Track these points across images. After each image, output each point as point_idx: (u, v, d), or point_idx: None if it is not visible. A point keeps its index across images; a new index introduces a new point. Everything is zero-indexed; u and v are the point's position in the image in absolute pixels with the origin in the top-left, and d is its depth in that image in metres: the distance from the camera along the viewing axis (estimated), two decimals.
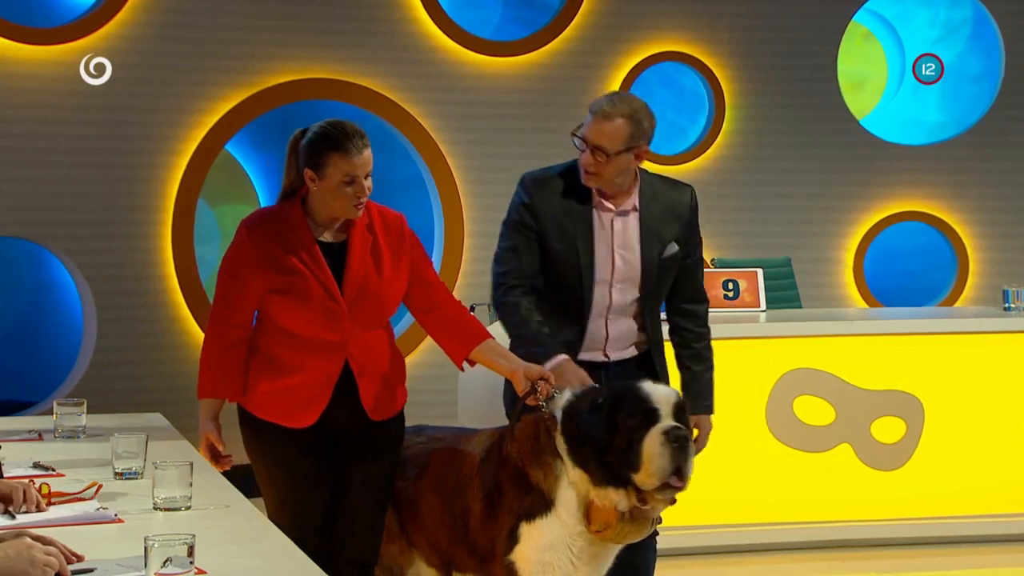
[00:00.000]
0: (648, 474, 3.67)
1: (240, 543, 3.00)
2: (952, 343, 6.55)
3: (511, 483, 3.89)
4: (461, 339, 4.13)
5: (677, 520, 6.44)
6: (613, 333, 4.38)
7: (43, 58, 7.46)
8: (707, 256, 8.40)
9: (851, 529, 6.42)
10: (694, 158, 8.61)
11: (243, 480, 4.04)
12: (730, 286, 6.96)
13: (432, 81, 8.22)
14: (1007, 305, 6.99)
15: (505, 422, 4.16)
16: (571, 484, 3.81)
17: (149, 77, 7.65)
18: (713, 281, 6.97)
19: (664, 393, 3.78)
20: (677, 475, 3.68)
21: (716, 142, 8.67)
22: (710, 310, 6.78)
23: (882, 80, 9.47)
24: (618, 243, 4.35)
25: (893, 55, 9.41)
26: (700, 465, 6.25)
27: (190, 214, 7.73)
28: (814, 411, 6.42)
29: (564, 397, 3.89)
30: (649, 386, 3.79)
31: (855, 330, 6.55)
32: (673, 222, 4.40)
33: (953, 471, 6.50)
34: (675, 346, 4.54)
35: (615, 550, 3.98)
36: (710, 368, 4.53)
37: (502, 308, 4.30)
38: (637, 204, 4.37)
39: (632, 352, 4.44)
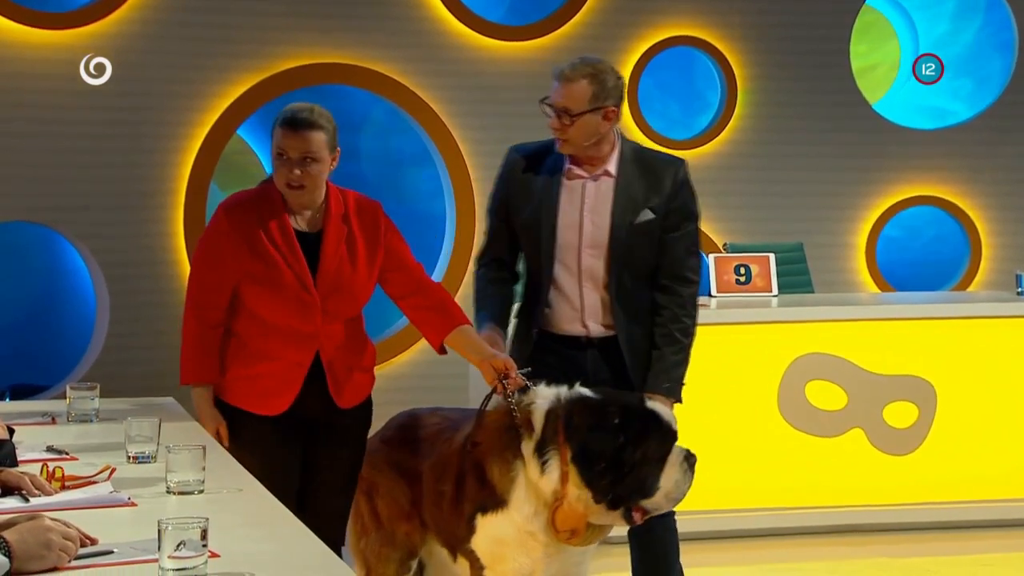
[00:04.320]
0: (666, 498, 3.65)
1: (253, 527, 3.00)
2: (965, 328, 6.54)
3: (472, 473, 3.88)
4: (435, 325, 4.13)
5: (689, 505, 6.45)
6: (588, 301, 4.33)
7: (55, 43, 7.46)
8: (719, 241, 8.39)
9: (863, 514, 6.42)
10: (706, 143, 8.57)
11: None
12: (742, 271, 6.96)
13: (443, 65, 8.21)
14: (1020, 289, 6.98)
15: None
16: (529, 486, 3.76)
17: (161, 62, 7.65)
18: (725, 266, 6.97)
19: (670, 412, 3.84)
20: None
21: (728, 127, 8.64)
22: (722, 294, 6.88)
23: (895, 64, 9.44)
24: (589, 207, 4.32)
25: (906, 39, 9.38)
26: (712, 449, 6.29)
27: (202, 199, 7.73)
28: (826, 396, 6.42)
29: (541, 399, 3.82)
30: (657, 407, 3.79)
31: (867, 315, 6.54)
32: (654, 192, 4.32)
33: (965, 456, 6.49)
34: (653, 324, 4.36)
35: (577, 549, 3.90)
36: (680, 351, 4.32)
37: (475, 284, 4.52)
38: (613, 170, 4.33)
39: (608, 331, 4.35)
